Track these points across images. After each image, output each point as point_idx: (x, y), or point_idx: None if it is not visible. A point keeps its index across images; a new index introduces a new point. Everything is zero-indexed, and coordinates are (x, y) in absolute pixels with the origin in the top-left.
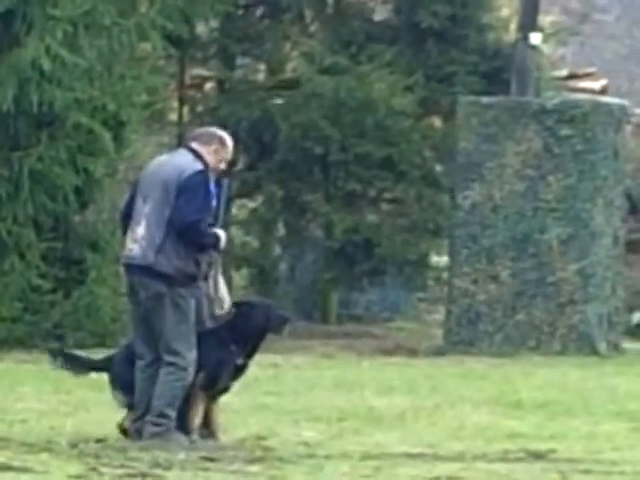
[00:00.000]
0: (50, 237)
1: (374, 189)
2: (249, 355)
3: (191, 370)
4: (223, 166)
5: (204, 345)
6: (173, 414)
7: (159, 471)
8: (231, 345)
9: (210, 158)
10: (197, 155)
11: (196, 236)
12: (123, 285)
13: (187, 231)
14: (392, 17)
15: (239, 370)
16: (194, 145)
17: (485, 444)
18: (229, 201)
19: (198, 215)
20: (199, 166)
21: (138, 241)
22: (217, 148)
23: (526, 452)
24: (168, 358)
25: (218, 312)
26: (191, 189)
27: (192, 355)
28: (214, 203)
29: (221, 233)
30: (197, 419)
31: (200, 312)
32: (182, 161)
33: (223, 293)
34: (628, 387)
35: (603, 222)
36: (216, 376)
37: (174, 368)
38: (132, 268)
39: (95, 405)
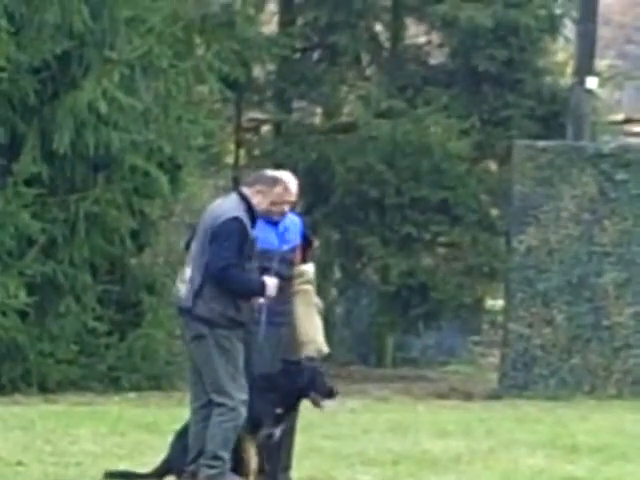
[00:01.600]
0: (106, 280)
1: (429, 233)
2: (288, 410)
3: (242, 410)
4: (284, 208)
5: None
6: (226, 456)
7: None
8: (270, 394)
9: (256, 200)
10: (244, 198)
11: (226, 282)
12: (178, 327)
13: (218, 276)
14: (448, 61)
15: (279, 419)
16: (243, 188)
17: None
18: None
19: (226, 261)
20: (235, 213)
21: (185, 282)
22: (262, 189)
23: None
24: (217, 399)
25: (309, 354)
26: (223, 235)
27: (242, 395)
28: (258, 247)
29: (269, 280)
30: (252, 462)
31: (250, 356)
32: (225, 206)
33: (311, 336)
34: None
35: None
36: (256, 420)
37: (224, 409)
38: (179, 309)
39: (150, 448)
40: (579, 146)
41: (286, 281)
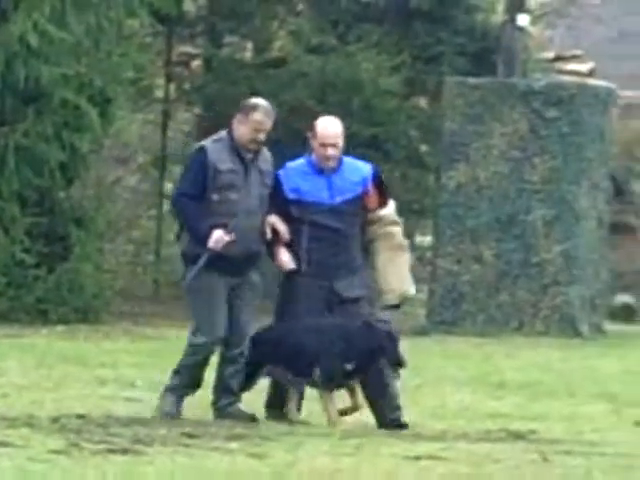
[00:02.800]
0: (35, 212)
1: None
2: (359, 369)
3: (204, 349)
4: (260, 136)
5: (322, 338)
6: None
7: (140, 447)
8: (341, 347)
9: (236, 132)
10: (230, 131)
11: (177, 212)
12: (106, 262)
13: (172, 206)
14: None
15: (349, 375)
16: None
17: (466, 424)
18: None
19: (179, 191)
20: (203, 143)
21: None
22: (240, 118)
23: (507, 432)
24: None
25: (385, 303)
26: (186, 166)
27: (207, 337)
28: (226, 180)
29: (217, 233)
30: (332, 411)
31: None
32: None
33: (392, 285)
34: (610, 369)
35: (588, 204)
36: (327, 374)
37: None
38: None
39: (76, 381)
40: (510, 83)
41: (339, 234)
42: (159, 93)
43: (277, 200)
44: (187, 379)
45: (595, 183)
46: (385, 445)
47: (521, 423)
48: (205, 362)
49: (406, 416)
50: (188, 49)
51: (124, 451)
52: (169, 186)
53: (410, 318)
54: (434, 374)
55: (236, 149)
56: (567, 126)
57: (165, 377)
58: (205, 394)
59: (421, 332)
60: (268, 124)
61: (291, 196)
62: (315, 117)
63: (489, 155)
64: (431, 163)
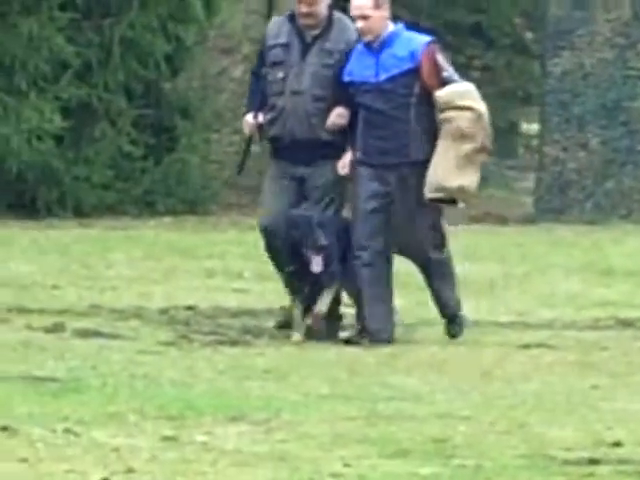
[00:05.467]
0: (141, 104)
1: (463, 56)
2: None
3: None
4: (302, 9)
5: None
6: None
7: (249, 338)
8: None
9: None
10: None
11: None
12: (213, 152)
13: None
14: None
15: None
16: None
17: (575, 312)
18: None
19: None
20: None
21: None
22: None
23: (616, 320)
24: None
25: (428, 195)
26: None
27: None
28: (272, 56)
29: (248, 117)
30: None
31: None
32: None
33: (437, 176)
34: None
35: None
36: None
37: None
38: None
39: (185, 272)
40: None
41: (385, 116)
42: None
43: (341, 84)
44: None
45: None
46: (493, 334)
47: (629, 310)
48: (269, 248)
49: (515, 305)
50: None
51: (233, 342)
52: None
53: (517, 206)
54: (542, 262)
55: (296, 25)
56: None
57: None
58: None
59: (529, 220)
60: None
61: (346, 78)
62: (417, 5)
63: (593, 42)
64: (535, 50)
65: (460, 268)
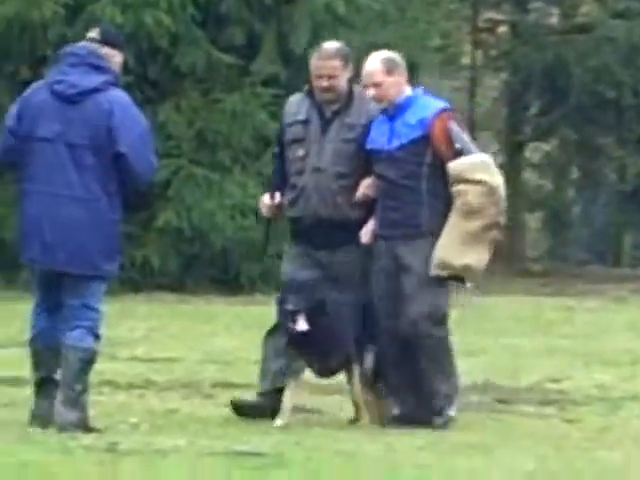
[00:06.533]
0: None
1: None
2: None
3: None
4: (323, 83)
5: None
6: None
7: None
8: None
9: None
10: None
11: None
12: None
13: None
14: None
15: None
16: None
17: None
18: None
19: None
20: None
21: None
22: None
23: None
24: None
25: (434, 272)
26: None
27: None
28: (290, 133)
29: (265, 198)
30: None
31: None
32: None
33: (441, 253)
34: None
35: None
36: None
37: None
38: None
39: None
40: None
41: (396, 186)
42: (466, 60)
43: (365, 155)
44: None
45: None
46: None
47: None
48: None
49: None
50: (494, 15)
51: None
52: None
53: None
54: None
55: (315, 102)
56: None
57: None
58: None
59: None
60: (328, 68)
61: (367, 146)
62: (621, 83)
63: None
64: None
65: None
